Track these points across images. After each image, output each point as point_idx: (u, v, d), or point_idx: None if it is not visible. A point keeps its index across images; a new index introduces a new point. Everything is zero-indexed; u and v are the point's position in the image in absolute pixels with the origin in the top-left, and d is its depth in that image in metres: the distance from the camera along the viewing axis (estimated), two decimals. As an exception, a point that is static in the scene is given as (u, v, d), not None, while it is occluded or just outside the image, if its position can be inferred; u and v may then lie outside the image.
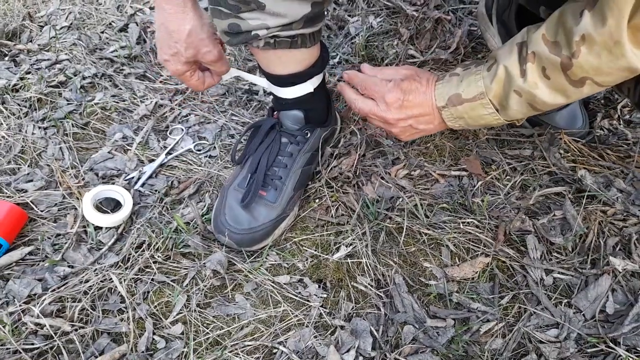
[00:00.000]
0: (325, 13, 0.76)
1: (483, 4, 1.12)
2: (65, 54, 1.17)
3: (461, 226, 0.83)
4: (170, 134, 1.04)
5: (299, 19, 0.69)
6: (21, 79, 1.09)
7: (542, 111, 0.68)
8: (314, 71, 0.81)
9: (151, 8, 1.33)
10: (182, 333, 0.73)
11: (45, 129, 1.01)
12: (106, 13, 1.30)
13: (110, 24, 1.27)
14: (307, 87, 0.82)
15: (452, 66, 1.18)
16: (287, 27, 0.69)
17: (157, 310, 0.76)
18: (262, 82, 0.86)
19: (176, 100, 1.10)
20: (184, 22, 0.70)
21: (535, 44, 0.63)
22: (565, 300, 0.75)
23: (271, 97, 0.88)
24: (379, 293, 0.77)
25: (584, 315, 0.74)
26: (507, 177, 0.93)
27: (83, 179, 0.93)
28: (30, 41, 1.20)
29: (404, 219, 0.85)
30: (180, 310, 0.76)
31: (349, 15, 1.28)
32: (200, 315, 0.75)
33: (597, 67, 0.57)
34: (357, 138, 0.99)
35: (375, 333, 0.72)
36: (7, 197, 0.89)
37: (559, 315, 0.73)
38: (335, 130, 0.98)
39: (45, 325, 0.72)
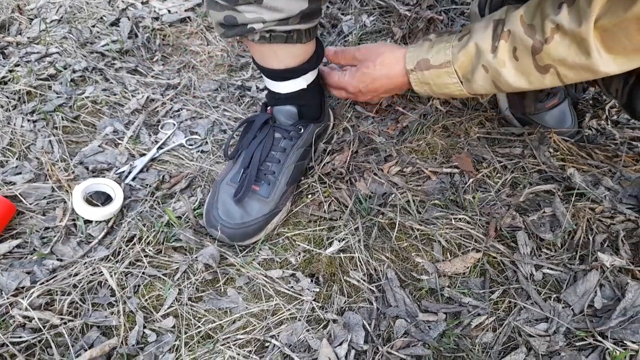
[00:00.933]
0: (322, 10, 0.77)
1: (476, 3, 1.13)
2: (56, 47, 1.15)
3: (453, 222, 0.84)
4: (161, 128, 1.03)
5: (296, 14, 0.69)
6: (10, 71, 1.08)
7: (504, 91, 0.71)
8: (309, 67, 0.81)
9: (143, 3, 1.32)
10: (174, 326, 0.73)
11: (34, 122, 1.00)
12: (97, 7, 1.29)
13: (101, 18, 1.26)
14: (300, 83, 0.82)
15: (443, 66, 1.19)
16: (284, 21, 0.69)
17: (147, 303, 0.75)
18: None
19: (168, 95, 1.09)
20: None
21: (511, 23, 0.65)
22: (555, 295, 0.76)
23: (264, 92, 0.88)
24: (371, 287, 0.77)
25: (572, 309, 0.75)
26: (498, 174, 0.94)
27: (73, 172, 0.92)
28: (20, 34, 1.18)
29: (396, 215, 0.85)
30: (172, 303, 0.75)
31: (342, 14, 1.29)
32: (191, 309, 0.75)
33: (563, 58, 0.60)
34: (350, 135, 0.99)
35: (368, 327, 0.72)
36: (-5, 189, 0.87)
37: (548, 310, 0.74)
38: (328, 127, 0.98)
39: (33, 318, 0.71)
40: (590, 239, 0.82)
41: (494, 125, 1.04)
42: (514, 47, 0.64)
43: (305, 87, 0.83)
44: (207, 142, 1.00)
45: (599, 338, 0.70)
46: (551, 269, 0.79)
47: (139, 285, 0.77)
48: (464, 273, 0.79)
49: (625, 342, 0.69)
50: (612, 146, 0.99)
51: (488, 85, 0.69)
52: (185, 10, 1.28)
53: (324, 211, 0.87)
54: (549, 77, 0.64)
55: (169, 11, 1.29)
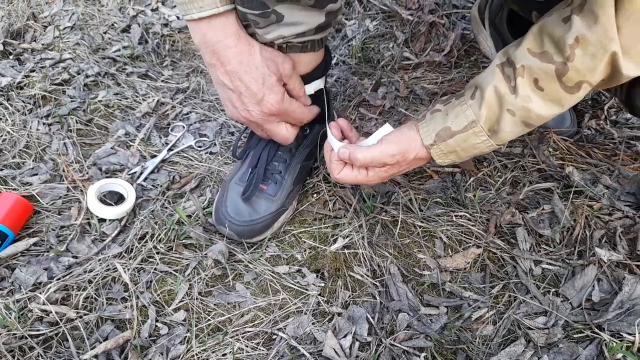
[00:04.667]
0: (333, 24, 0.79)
1: (476, 8, 1.16)
2: (69, 53, 1.19)
3: (454, 219, 0.87)
4: (171, 131, 1.06)
5: (313, 28, 0.72)
6: (26, 76, 1.12)
7: (535, 126, 0.67)
8: (318, 74, 0.83)
9: (153, 10, 1.36)
10: (184, 320, 0.76)
11: (49, 125, 1.03)
12: (108, 14, 1.33)
13: (112, 24, 1.30)
14: (308, 89, 0.85)
15: (446, 69, 1.22)
16: (301, 35, 0.72)
17: (159, 298, 0.78)
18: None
19: (177, 98, 1.13)
20: (253, 47, 0.70)
21: (522, 58, 0.63)
22: (553, 290, 0.79)
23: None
24: (374, 282, 0.80)
25: (570, 303, 0.77)
26: (499, 173, 0.96)
27: (87, 173, 0.95)
28: (34, 40, 1.22)
29: (399, 212, 0.88)
30: (183, 298, 0.78)
31: (346, 19, 1.32)
32: (201, 303, 0.78)
33: (592, 68, 0.58)
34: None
35: (371, 320, 0.75)
36: (13, 189, 0.91)
37: (547, 304, 0.77)
38: (332, 128, 1.01)
39: (50, 312, 0.74)
40: (588, 235, 0.84)
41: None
42: (535, 78, 0.62)
43: (313, 92, 0.85)
44: (215, 144, 1.04)
45: (596, 330, 0.72)
46: (550, 264, 0.81)
47: (151, 281, 0.80)
48: (464, 268, 0.82)
49: (621, 333, 0.71)
50: (611, 145, 1.01)
51: (518, 129, 0.66)
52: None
53: (329, 209, 0.90)
54: (581, 92, 0.61)
55: (177, 17, 1.33)
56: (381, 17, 1.32)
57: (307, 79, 0.82)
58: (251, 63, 0.70)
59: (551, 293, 0.78)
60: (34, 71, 1.14)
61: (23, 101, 1.07)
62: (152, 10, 1.35)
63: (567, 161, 0.97)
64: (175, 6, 1.37)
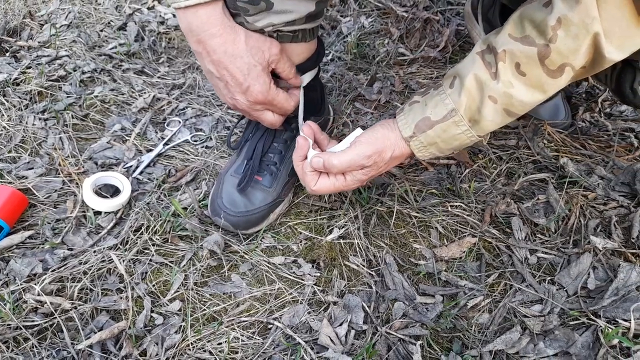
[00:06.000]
0: (325, 10, 0.79)
1: (469, 3, 1.17)
2: (65, 50, 1.20)
3: (449, 209, 0.87)
4: (167, 125, 1.07)
5: (303, 16, 0.72)
6: (22, 73, 1.12)
7: (517, 115, 0.65)
8: (310, 65, 0.84)
9: (149, 8, 1.36)
10: (180, 310, 0.75)
11: (45, 120, 1.03)
12: (105, 13, 1.33)
13: (109, 23, 1.30)
14: (302, 80, 0.85)
15: (441, 64, 1.23)
16: (291, 23, 0.72)
17: (155, 289, 0.78)
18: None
19: (173, 94, 1.13)
20: (237, 35, 0.69)
21: (503, 43, 0.61)
22: (549, 278, 0.79)
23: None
24: (370, 272, 0.80)
25: (566, 291, 0.77)
26: (494, 165, 0.96)
27: (82, 166, 0.95)
28: (31, 38, 1.23)
29: (394, 203, 0.88)
30: (178, 288, 0.78)
31: (341, 16, 1.33)
32: (197, 293, 0.78)
33: (575, 49, 0.57)
34: (349, 129, 1.02)
35: (367, 308, 0.75)
36: (8, 183, 0.91)
37: (542, 292, 0.77)
38: (328, 121, 1.02)
39: (45, 303, 0.74)
40: (583, 224, 0.84)
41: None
42: (516, 63, 0.60)
43: (305, 84, 0.86)
44: (211, 138, 1.04)
45: (592, 317, 0.72)
46: (545, 252, 0.82)
47: (146, 272, 0.80)
48: (460, 257, 0.82)
49: (617, 320, 0.71)
50: (605, 137, 1.02)
51: (499, 117, 0.64)
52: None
53: (325, 201, 0.90)
54: (564, 76, 0.60)
55: (173, 15, 1.34)
56: (376, 14, 1.33)
57: (300, 69, 0.82)
58: (236, 52, 0.70)
59: (547, 281, 0.78)
60: (30, 68, 1.14)
61: (19, 97, 1.07)
62: (148, 8, 1.36)
63: (562, 152, 0.98)
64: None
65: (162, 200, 0.90)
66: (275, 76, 0.78)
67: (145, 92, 1.12)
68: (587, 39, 0.57)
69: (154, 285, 0.78)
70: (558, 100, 1.06)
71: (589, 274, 0.78)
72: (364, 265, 0.81)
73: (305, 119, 0.89)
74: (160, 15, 1.34)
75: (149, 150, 1.01)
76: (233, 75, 0.72)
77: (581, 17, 0.56)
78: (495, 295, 0.77)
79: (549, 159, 0.96)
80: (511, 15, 0.64)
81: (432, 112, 0.67)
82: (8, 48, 1.18)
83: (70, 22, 1.29)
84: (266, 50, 0.73)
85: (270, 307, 0.76)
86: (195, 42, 0.70)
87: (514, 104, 0.63)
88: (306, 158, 0.75)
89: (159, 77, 1.17)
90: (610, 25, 0.56)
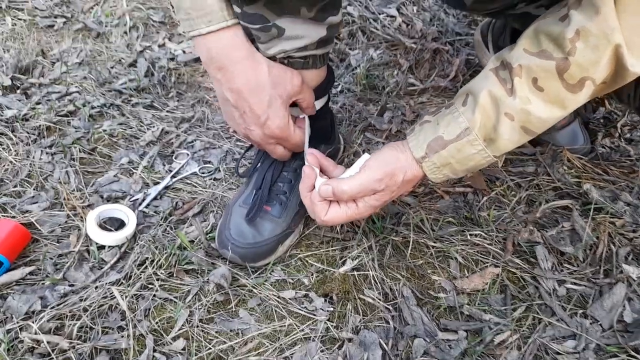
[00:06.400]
0: (335, 38, 0.78)
1: (479, 31, 1.16)
2: (76, 86, 1.20)
3: (469, 237, 0.82)
4: (175, 158, 1.05)
5: (315, 42, 0.71)
6: (32, 109, 1.12)
7: (535, 134, 0.62)
8: (320, 93, 0.82)
9: (160, 46, 1.38)
10: (184, 349, 0.71)
11: (52, 154, 1.02)
12: (116, 51, 1.35)
13: (120, 60, 1.31)
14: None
15: (452, 93, 1.21)
16: (303, 49, 0.71)
17: (158, 326, 0.74)
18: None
19: (182, 127, 1.12)
20: (260, 64, 0.68)
21: (519, 58, 0.59)
22: (581, 311, 0.73)
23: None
24: (387, 306, 0.75)
25: (601, 325, 0.71)
26: (512, 192, 0.92)
27: (88, 200, 0.93)
28: (42, 76, 1.24)
29: (410, 233, 0.83)
30: (182, 325, 0.73)
31: (350, 49, 1.33)
32: (202, 331, 0.73)
33: (595, 61, 0.55)
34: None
35: (385, 346, 0.69)
36: (12, 217, 0.88)
37: (575, 326, 0.71)
38: (338, 150, 0.99)
39: (42, 342, 0.70)
40: (614, 252, 0.79)
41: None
42: (534, 78, 0.58)
43: (315, 112, 0.84)
44: (219, 170, 1.01)
45: (633, 353, 0.66)
46: (575, 283, 0.76)
47: (149, 308, 0.76)
48: (483, 289, 0.76)
49: (660, 356, 0.65)
50: (628, 162, 0.98)
51: (516, 136, 0.61)
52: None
53: (337, 232, 0.86)
54: (584, 91, 0.57)
55: (183, 52, 1.35)
56: (384, 47, 1.33)
57: None
58: (259, 83, 0.68)
59: (578, 315, 0.73)
60: (39, 104, 1.14)
61: (27, 132, 1.07)
62: (159, 46, 1.38)
63: (584, 179, 0.93)
64: (181, 41, 1.40)
65: (168, 233, 0.87)
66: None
67: (153, 126, 1.11)
68: (608, 50, 0.54)
69: (157, 323, 0.74)
70: (575, 126, 1.03)
71: (624, 306, 0.72)
72: (379, 299, 0.76)
73: (316, 148, 0.87)
74: (170, 52, 1.35)
75: (156, 183, 0.98)
76: (251, 107, 0.70)
77: (601, 27, 0.53)
78: (523, 331, 0.71)
79: (570, 185, 0.92)
80: (524, 32, 0.62)
81: (444, 131, 0.63)
82: (19, 85, 1.19)
83: (82, 60, 1.30)
84: (288, 83, 0.71)
85: (281, 345, 0.71)
86: (215, 69, 0.68)
87: (531, 121, 0.59)
88: (314, 188, 0.71)
89: (168, 111, 1.16)
90: (631, 35, 0.53)
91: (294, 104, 0.77)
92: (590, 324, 0.71)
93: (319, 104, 0.83)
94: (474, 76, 1.23)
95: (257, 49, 0.70)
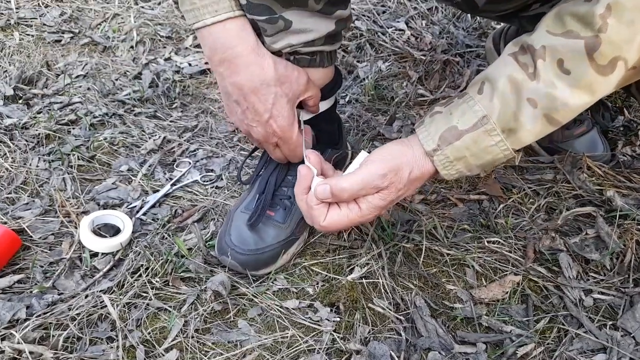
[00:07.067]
0: (343, 34, 0.75)
1: (491, 39, 1.13)
2: (78, 97, 1.18)
3: (486, 244, 0.77)
4: (177, 166, 1.01)
5: (322, 36, 0.68)
6: (32, 118, 1.10)
7: (559, 124, 0.56)
8: (326, 94, 0.79)
9: (165, 59, 1.37)
10: (177, 360, 0.65)
11: (50, 161, 0.99)
12: (122, 64, 1.34)
13: (125, 72, 1.30)
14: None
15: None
16: (310, 43, 0.68)
17: (150, 336, 0.68)
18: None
19: (185, 136, 1.09)
20: (265, 59, 0.65)
21: (542, 39, 0.54)
22: (610, 323, 0.67)
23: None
24: (398, 316, 0.69)
25: (633, 337, 0.65)
26: (530, 200, 0.87)
27: (83, 206, 0.89)
28: (46, 87, 1.22)
29: (422, 240, 0.78)
30: (176, 336, 0.68)
31: (358, 61, 1.31)
32: (197, 342, 0.67)
33: (629, 39, 0.49)
34: (369, 166, 0.95)
35: (396, 359, 0.63)
36: (3, 223, 0.84)
37: (604, 339, 0.64)
38: (347, 155, 0.95)
39: (24, 352, 0.65)
40: (644, 260, 0.73)
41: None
42: (559, 59, 0.52)
43: (321, 112, 0.80)
44: (222, 178, 0.97)
45: (672, 368, 0.59)
46: (602, 293, 0.70)
47: (142, 318, 0.70)
48: (502, 299, 0.70)
49: None
50: (652, 170, 0.92)
51: (539, 125, 0.55)
52: (206, 63, 1.32)
53: (344, 240, 0.81)
54: (616, 73, 0.52)
55: (189, 64, 1.33)
56: (393, 59, 1.30)
57: None
58: (263, 79, 0.65)
59: (608, 326, 0.67)
60: (40, 113, 1.12)
61: (26, 140, 1.04)
62: (165, 59, 1.36)
63: (606, 186, 0.88)
64: (188, 55, 1.39)
65: (165, 240, 0.82)
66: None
67: (155, 135, 1.08)
68: None
69: (149, 333, 0.69)
70: (594, 134, 0.98)
71: (659, 317, 0.66)
72: (390, 309, 0.70)
73: (322, 150, 0.83)
74: (176, 65, 1.33)
75: (156, 191, 0.94)
76: (253, 104, 0.66)
77: (636, 1, 0.48)
78: (548, 343, 0.65)
79: (592, 192, 0.86)
80: (544, 17, 0.58)
81: (459, 120, 0.58)
82: (22, 95, 1.17)
83: (87, 73, 1.29)
84: (294, 81, 0.68)
85: (282, 357, 0.65)
86: (218, 61, 0.65)
87: (557, 108, 0.54)
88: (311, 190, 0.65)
89: (171, 121, 1.13)
90: None
91: (299, 106, 0.74)
92: (622, 336, 0.65)
93: (325, 105, 0.80)
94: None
95: (263, 43, 0.67)
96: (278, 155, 0.75)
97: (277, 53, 0.68)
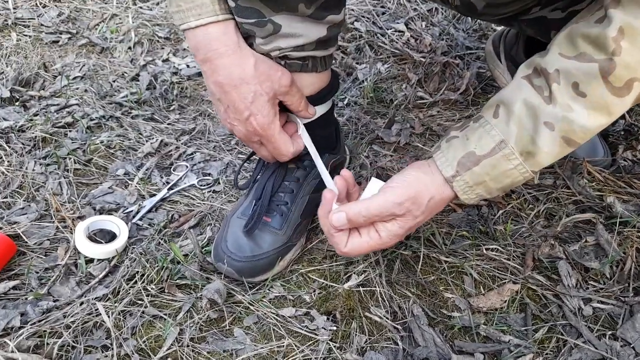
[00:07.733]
0: (338, 39, 0.75)
1: (490, 42, 1.12)
2: (75, 99, 1.17)
3: (484, 252, 0.76)
4: (174, 170, 1.00)
5: (312, 41, 0.67)
6: (29, 120, 1.09)
7: (577, 145, 0.56)
8: (320, 99, 0.78)
9: (164, 61, 1.36)
10: (172, 370, 0.64)
11: (46, 165, 0.98)
12: (119, 65, 1.33)
13: (122, 74, 1.29)
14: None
15: (462, 107, 1.16)
16: (300, 48, 0.68)
17: (145, 345, 0.68)
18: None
19: (182, 139, 1.08)
20: (247, 59, 0.65)
21: (555, 63, 0.54)
22: (610, 332, 0.66)
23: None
24: (395, 325, 0.68)
25: (633, 348, 0.64)
26: (530, 206, 0.86)
27: (79, 211, 0.88)
28: (43, 89, 1.21)
29: (420, 247, 0.77)
30: (171, 345, 0.67)
31: (357, 63, 1.30)
32: (193, 351, 0.67)
33: None
34: (366, 170, 0.95)
35: (393, 369, 0.63)
36: (-2, 228, 0.84)
37: (604, 349, 0.64)
38: (345, 160, 0.94)
39: (18, 361, 0.64)
40: (644, 268, 0.72)
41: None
42: (574, 82, 0.53)
43: (316, 118, 0.80)
44: (219, 182, 0.97)
45: (672, 380, 0.59)
46: (602, 302, 0.69)
47: (137, 326, 0.70)
48: (501, 308, 0.70)
49: None
50: (653, 175, 0.91)
51: (557, 148, 0.56)
52: (203, 64, 1.31)
53: (341, 246, 0.80)
54: (632, 94, 0.52)
55: (187, 66, 1.33)
56: (392, 60, 1.29)
57: (311, 102, 0.76)
58: (242, 77, 0.65)
59: (607, 336, 0.66)
60: (37, 115, 1.11)
61: (22, 143, 1.03)
62: (163, 60, 1.35)
63: (607, 192, 0.87)
64: (186, 56, 1.38)
65: (161, 246, 0.82)
66: (284, 109, 0.72)
67: (153, 138, 1.07)
68: None
69: (144, 341, 0.68)
70: (594, 138, 0.97)
71: (659, 327, 0.65)
72: (387, 318, 0.69)
73: (319, 156, 0.82)
74: (174, 66, 1.32)
75: (152, 195, 0.94)
76: (234, 102, 0.66)
77: None
78: (547, 354, 0.64)
79: (592, 198, 0.86)
80: (555, 37, 0.57)
81: (476, 145, 0.58)
82: (18, 97, 1.16)
83: (84, 74, 1.28)
84: (276, 81, 0.67)
85: (278, 367, 0.64)
86: (201, 61, 0.66)
87: (574, 131, 0.54)
88: None
89: (168, 124, 1.13)
90: None
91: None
92: (622, 346, 0.64)
93: (321, 110, 0.79)
94: (485, 89, 1.19)
95: (252, 44, 0.67)
96: (264, 154, 0.74)
97: (267, 55, 0.67)
